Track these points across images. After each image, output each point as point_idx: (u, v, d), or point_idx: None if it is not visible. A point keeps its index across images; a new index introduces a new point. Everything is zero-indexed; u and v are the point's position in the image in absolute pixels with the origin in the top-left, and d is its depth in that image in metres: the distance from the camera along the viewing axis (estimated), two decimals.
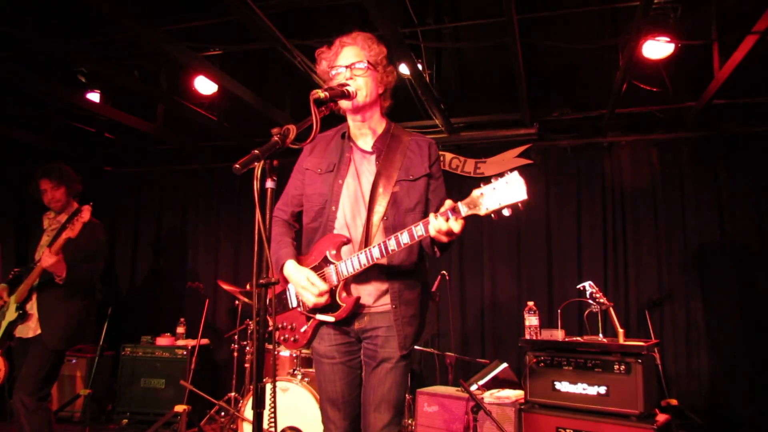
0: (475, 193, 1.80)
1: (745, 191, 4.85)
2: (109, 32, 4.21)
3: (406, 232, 1.93)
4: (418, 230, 1.91)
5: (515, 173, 1.73)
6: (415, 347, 4.60)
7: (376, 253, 1.98)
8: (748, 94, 4.73)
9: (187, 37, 4.12)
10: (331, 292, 2.08)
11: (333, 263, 2.08)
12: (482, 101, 5.36)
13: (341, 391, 2.15)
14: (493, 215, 1.78)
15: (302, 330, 2.19)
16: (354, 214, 2.14)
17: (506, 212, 1.76)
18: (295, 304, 2.23)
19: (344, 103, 2.10)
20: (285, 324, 2.25)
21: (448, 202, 1.85)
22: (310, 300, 2.07)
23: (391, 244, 1.95)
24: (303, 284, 2.07)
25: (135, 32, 3.79)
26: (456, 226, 1.83)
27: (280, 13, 3.86)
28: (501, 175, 1.76)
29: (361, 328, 2.12)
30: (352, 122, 2.22)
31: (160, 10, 4.00)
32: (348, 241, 2.09)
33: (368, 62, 2.12)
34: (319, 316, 2.11)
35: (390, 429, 2.09)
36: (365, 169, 2.18)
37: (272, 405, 1.67)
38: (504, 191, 1.75)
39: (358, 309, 2.09)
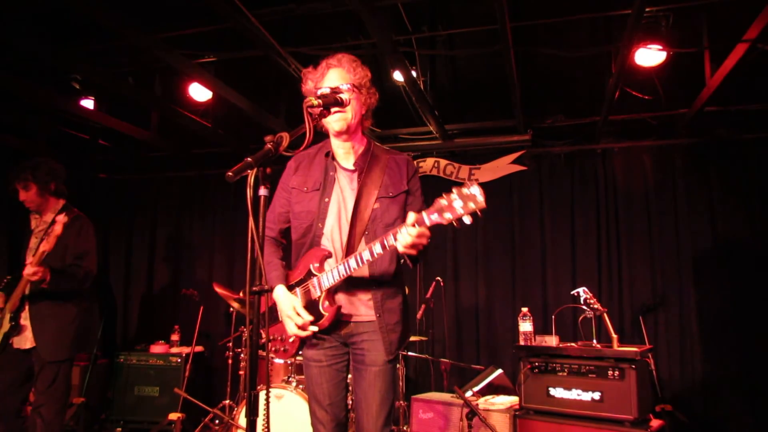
0: (438, 203, 1.89)
1: (737, 197, 4.88)
2: (104, 39, 4.22)
3: (378, 243, 2.03)
4: (389, 240, 2.00)
5: (475, 184, 1.84)
6: (410, 353, 4.61)
7: (353, 263, 2.09)
8: (739, 101, 4.76)
9: (181, 44, 4.13)
10: (314, 303, 2.20)
11: (316, 275, 2.21)
12: (476, 108, 5.39)
13: (328, 393, 2.25)
14: (455, 223, 1.86)
15: (291, 340, 2.29)
16: (339, 229, 2.25)
17: (467, 220, 1.84)
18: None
19: (335, 124, 2.19)
20: (275, 336, 2.36)
21: (412, 215, 1.91)
22: (292, 329, 2.19)
23: (366, 255, 2.06)
24: (289, 313, 2.19)
25: (129, 39, 3.80)
26: (418, 231, 1.90)
27: (274, 21, 3.88)
28: (462, 185, 1.86)
29: (348, 333, 2.24)
30: (336, 141, 2.31)
31: (155, 17, 4.00)
32: (330, 255, 2.22)
33: (352, 84, 2.21)
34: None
35: (385, 430, 2.21)
36: (348, 186, 2.29)
37: (267, 413, 1.67)
38: (465, 201, 1.84)
39: (340, 317, 2.20)
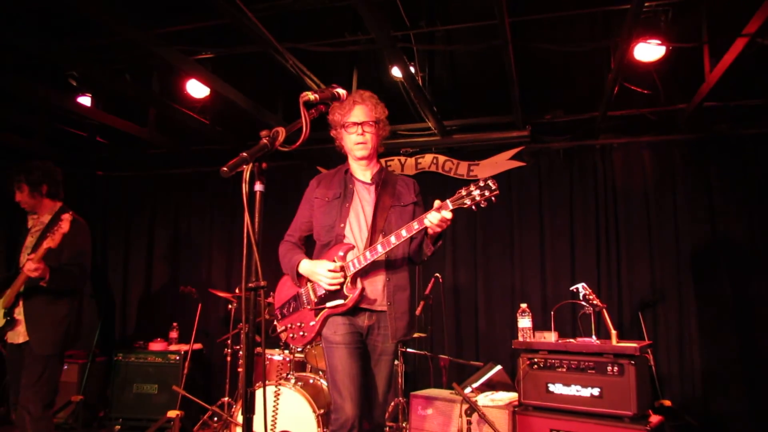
0: (459, 193, 2.33)
1: (736, 193, 4.87)
2: (100, 36, 4.19)
3: (404, 229, 2.41)
4: (415, 225, 2.39)
5: (490, 179, 2.28)
6: (408, 350, 4.60)
7: (380, 248, 2.44)
8: (738, 96, 4.74)
9: (178, 41, 4.11)
10: (338, 288, 2.49)
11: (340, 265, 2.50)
12: (475, 104, 5.37)
13: (357, 369, 2.51)
14: (473, 207, 2.30)
15: (311, 324, 2.58)
16: (358, 229, 2.61)
17: (483, 204, 2.29)
18: (306, 303, 2.62)
19: (358, 152, 2.64)
20: (292, 324, 2.65)
21: (437, 202, 2.36)
22: (327, 279, 2.48)
23: (393, 239, 2.42)
24: (318, 269, 2.51)
25: (126, 35, 3.77)
26: (448, 214, 2.34)
27: (271, 16, 3.86)
28: (478, 181, 2.30)
29: (370, 325, 2.58)
30: (357, 165, 2.73)
31: (152, 13, 3.98)
32: (353, 247, 2.54)
33: (373, 120, 2.65)
34: (333, 303, 2.50)
35: (387, 405, 2.71)
36: (365, 196, 2.69)
37: (271, 409, 1.66)
38: (481, 190, 2.28)
39: (363, 298, 2.50)
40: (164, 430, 4.68)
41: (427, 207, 2.45)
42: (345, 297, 2.48)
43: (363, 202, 2.68)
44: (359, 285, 2.49)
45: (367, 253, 2.46)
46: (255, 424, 1.62)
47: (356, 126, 2.62)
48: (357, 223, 2.62)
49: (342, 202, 2.66)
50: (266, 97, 5.14)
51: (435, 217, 2.33)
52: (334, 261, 2.50)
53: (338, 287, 2.49)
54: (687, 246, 4.96)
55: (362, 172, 2.74)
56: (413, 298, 2.71)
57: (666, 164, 5.13)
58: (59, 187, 3.61)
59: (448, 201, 2.34)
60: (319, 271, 2.50)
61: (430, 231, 2.40)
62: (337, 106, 2.65)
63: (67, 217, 3.27)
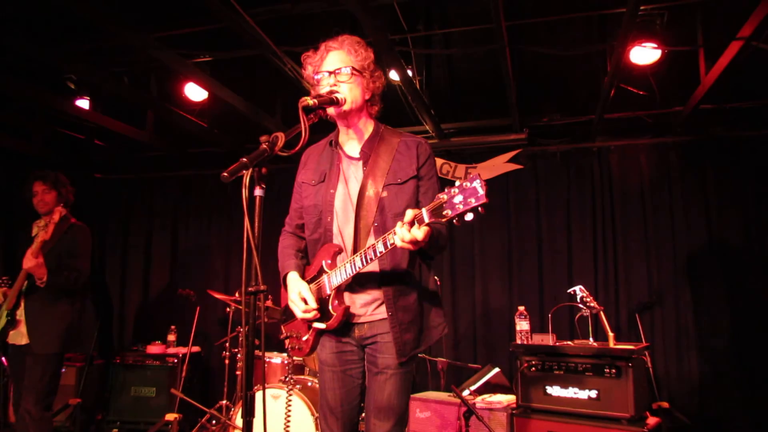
0: (439, 197, 1.72)
1: (732, 195, 4.90)
2: (99, 39, 4.20)
3: (380, 242, 1.90)
4: (390, 239, 1.86)
5: (477, 178, 1.65)
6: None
7: (357, 262, 1.99)
8: (734, 98, 4.77)
9: (176, 44, 4.11)
10: (324, 301, 2.12)
11: (327, 272, 2.11)
12: (472, 107, 5.39)
13: (340, 399, 2.18)
14: (455, 221, 1.70)
15: (304, 338, 2.24)
16: (345, 223, 2.14)
17: (469, 216, 1.67)
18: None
19: (331, 110, 2.09)
20: (293, 332, 2.30)
21: (410, 212, 1.79)
22: (298, 314, 2.14)
23: (370, 253, 1.94)
24: (293, 298, 2.15)
25: (124, 39, 3.79)
26: (419, 234, 1.77)
27: (270, 20, 3.87)
28: (464, 179, 1.69)
29: (362, 336, 2.15)
30: (342, 129, 2.23)
31: (150, 16, 3.99)
32: (340, 250, 2.12)
33: (353, 68, 2.09)
34: (315, 325, 2.16)
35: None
36: (353, 175, 2.17)
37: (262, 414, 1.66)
38: (465, 196, 1.66)
39: (349, 318, 2.13)
40: None
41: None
42: (329, 316, 2.09)
43: (350, 185, 2.15)
44: (345, 301, 2.11)
45: (348, 267, 2.01)
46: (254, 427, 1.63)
47: (329, 75, 2.08)
48: (344, 216, 2.13)
49: (327, 188, 2.16)
50: (264, 100, 5.15)
51: (405, 236, 1.78)
52: (321, 267, 2.13)
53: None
54: (684, 248, 4.98)
55: (350, 141, 2.21)
56: (424, 298, 2.18)
57: (662, 166, 5.15)
58: (70, 198, 3.77)
59: (423, 211, 1.76)
60: (294, 298, 2.14)
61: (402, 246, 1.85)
62: (310, 57, 2.17)
63: (58, 209, 3.48)
